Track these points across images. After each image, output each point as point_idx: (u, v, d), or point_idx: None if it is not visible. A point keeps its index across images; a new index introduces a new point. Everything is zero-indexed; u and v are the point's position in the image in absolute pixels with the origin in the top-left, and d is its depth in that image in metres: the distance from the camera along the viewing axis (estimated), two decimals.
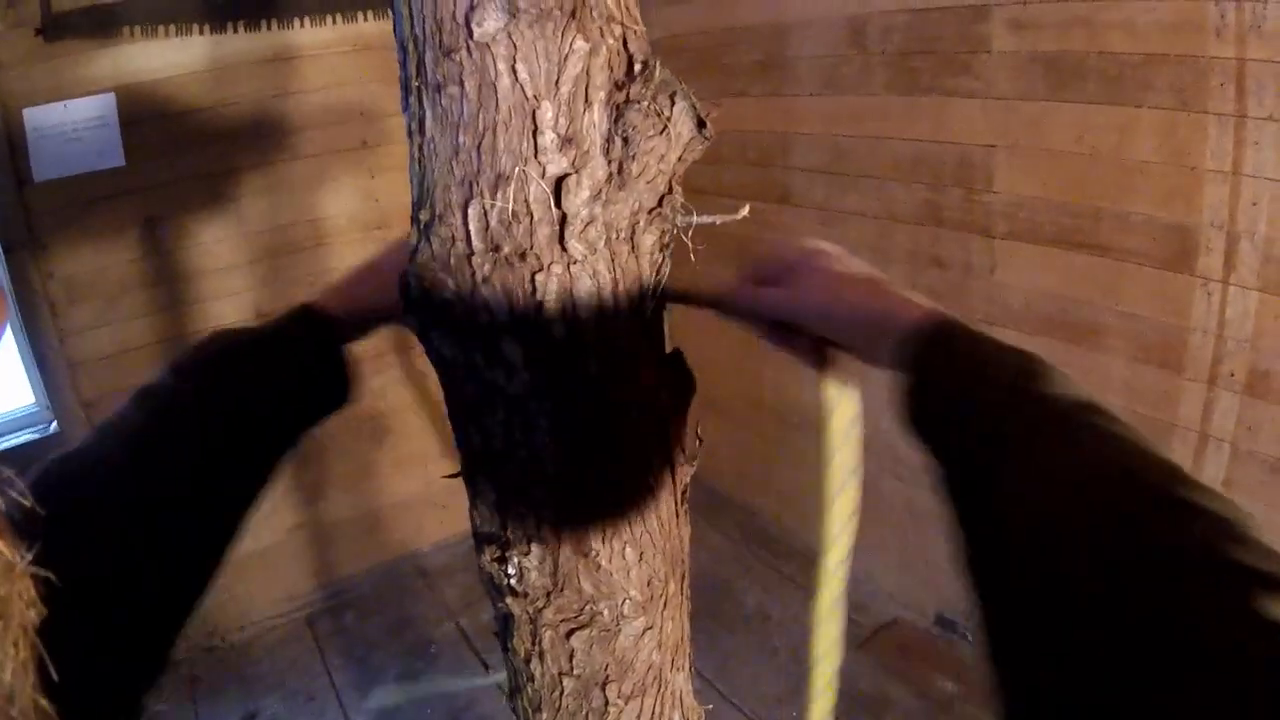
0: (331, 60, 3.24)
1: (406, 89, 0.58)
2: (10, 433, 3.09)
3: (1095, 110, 2.21)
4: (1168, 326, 2.21)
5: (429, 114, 0.56)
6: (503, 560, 0.70)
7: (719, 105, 0.69)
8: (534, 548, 0.67)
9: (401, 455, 3.67)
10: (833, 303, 0.73)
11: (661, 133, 0.56)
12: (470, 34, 0.49)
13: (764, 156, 3.32)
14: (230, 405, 0.78)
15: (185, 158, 3.07)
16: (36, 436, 3.07)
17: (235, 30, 3.05)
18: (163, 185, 3.05)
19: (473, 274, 0.57)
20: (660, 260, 0.64)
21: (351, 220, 3.40)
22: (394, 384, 3.58)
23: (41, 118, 2.84)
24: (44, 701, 0.47)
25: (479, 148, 0.54)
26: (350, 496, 3.62)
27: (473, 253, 0.57)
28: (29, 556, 0.47)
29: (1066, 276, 2.40)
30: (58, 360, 3.02)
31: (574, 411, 0.61)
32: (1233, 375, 2.11)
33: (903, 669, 2.95)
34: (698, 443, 0.76)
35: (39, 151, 2.86)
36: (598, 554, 0.68)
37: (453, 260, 0.58)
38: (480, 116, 0.53)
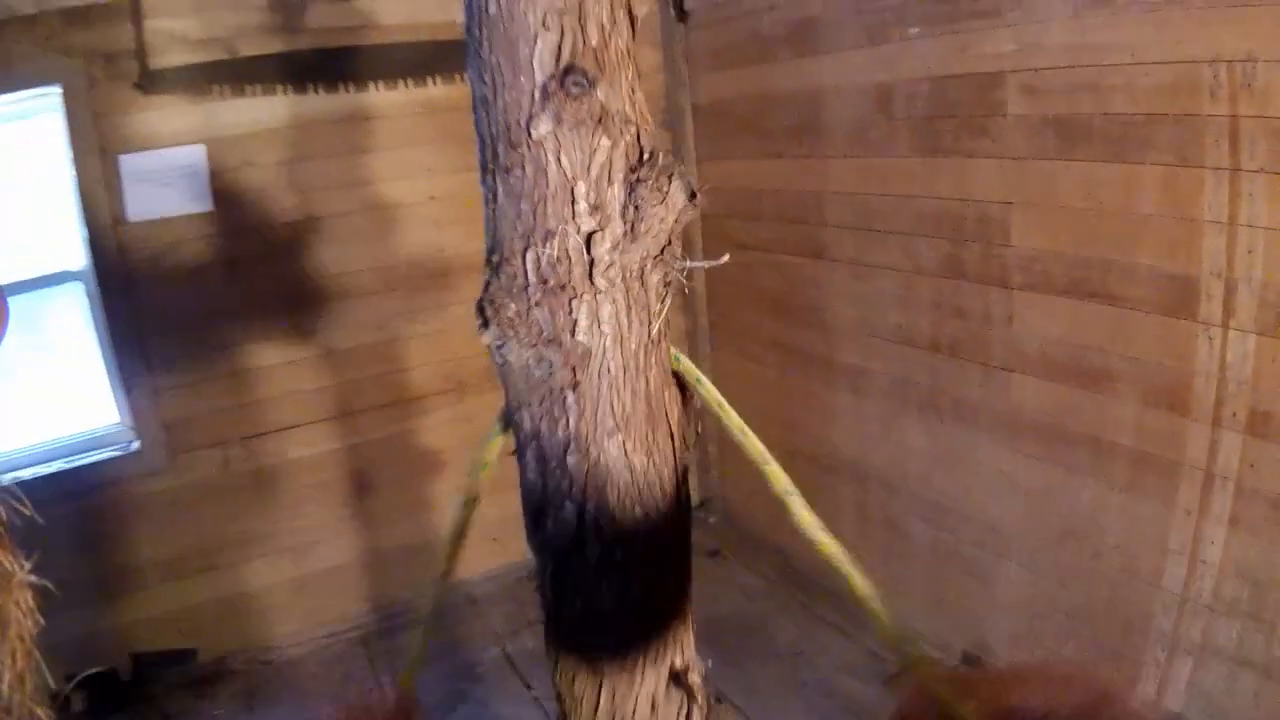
0: (402, 121, 3.52)
1: (484, 169, 0.79)
2: (96, 449, 3.33)
3: (1101, 167, 2.37)
4: (1173, 370, 2.32)
5: (500, 187, 0.77)
6: (544, 518, 0.87)
7: (708, 186, 0.89)
8: (568, 504, 0.85)
9: (456, 489, 3.84)
10: None
11: (662, 202, 0.76)
12: (529, 134, 0.71)
13: (800, 214, 3.50)
14: None
15: (266, 205, 3.36)
16: (119, 453, 3.32)
17: (315, 91, 3.35)
18: (245, 229, 3.34)
19: (529, 299, 0.78)
20: (664, 293, 0.83)
21: (418, 267, 3.65)
22: (447, 423, 3.80)
23: (136, 164, 3.15)
24: (40, 711, 0.53)
25: (534, 212, 0.76)
26: (405, 526, 3.81)
27: (529, 284, 0.78)
28: (28, 566, 0.54)
29: (1078, 324, 2.53)
30: (144, 385, 3.28)
31: (595, 395, 0.80)
32: (1235, 415, 2.21)
33: None
34: (695, 434, 0.92)
35: (133, 194, 3.16)
36: (616, 514, 0.86)
37: (514, 290, 0.79)
38: (535, 190, 0.75)
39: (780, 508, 0.78)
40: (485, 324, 0.79)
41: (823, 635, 3.46)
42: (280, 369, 3.51)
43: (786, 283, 3.67)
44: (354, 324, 3.58)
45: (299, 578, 3.67)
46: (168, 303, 3.27)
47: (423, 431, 3.79)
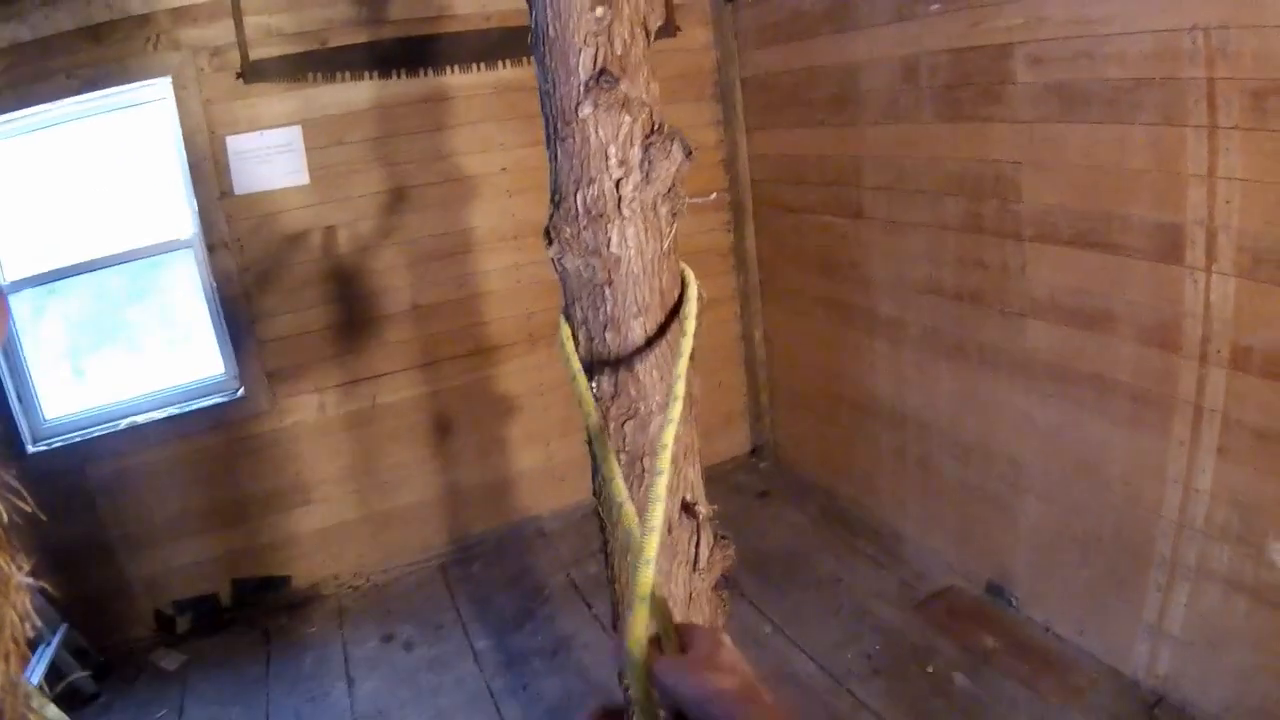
0: (477, 100, 3.82)
1: (548, 139, 1.14)
2: (206, 396, 3.71)
3: (1098, 129, 2.58)
4: (1165, 311, 2.52)
5: (559, 150, 1.13)
6: (590, 379, 1.20)
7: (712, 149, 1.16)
8: (606, 369, 1.19)
9: (528, 432, 4.20)
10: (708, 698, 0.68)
11: (667, 157, 1.10)
12: (577, 115, 1.07)
13: (840, 177, 3.73)
14: None
15: (357, 178, 3.68)
16: (226, 399, 3.69)
17: (399, 76, 3.65)
18: (338, 200, 3.67)
19: (579, 224, 1.12)
20: (671, 220, 1.15)
21: (492, 231, 3.97)
22: (519, 371, 4.13)
23: (241, 143, 3.49)
24: (33, 716, 0.47)
25: (582, 166, 1.11)
26: (482, 466, 4.16)
27: (579, 214, 1.12)
28: (25, 569, 0.46)
29: (1082, 272, 2.74)
30: (248, 339, 3.64)
31: (625, 290, 1.13)
32: (1219, 352, 2.40)
33: (951, 627, 3.27)
34: (698, 325, 1.22)
35: (239, 170, 3.50)
36: (639, 372, 1.19)
37: (569, 218, 1.13)
38: (582, 151, 1.10)
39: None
40: (550, 242, 1.14)
41: (860, 566, 3.73)
42: (370, 323, 3.82)
43: (829, 241, 3.90)
44: (436, 282, 3.90)
45: (386, 511, 4.01)
46: (269, 266, 3.61)
47: (498, 379, 4.10)
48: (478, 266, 3.98)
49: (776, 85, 4.04)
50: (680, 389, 1.08)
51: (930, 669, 3.07)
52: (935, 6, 3.03)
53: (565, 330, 1.22)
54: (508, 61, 3.81)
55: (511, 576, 3.92)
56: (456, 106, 3.79)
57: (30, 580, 0.47)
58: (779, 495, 4.45)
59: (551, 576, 3.89)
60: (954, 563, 3.56)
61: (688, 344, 1.14)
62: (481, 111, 3.83)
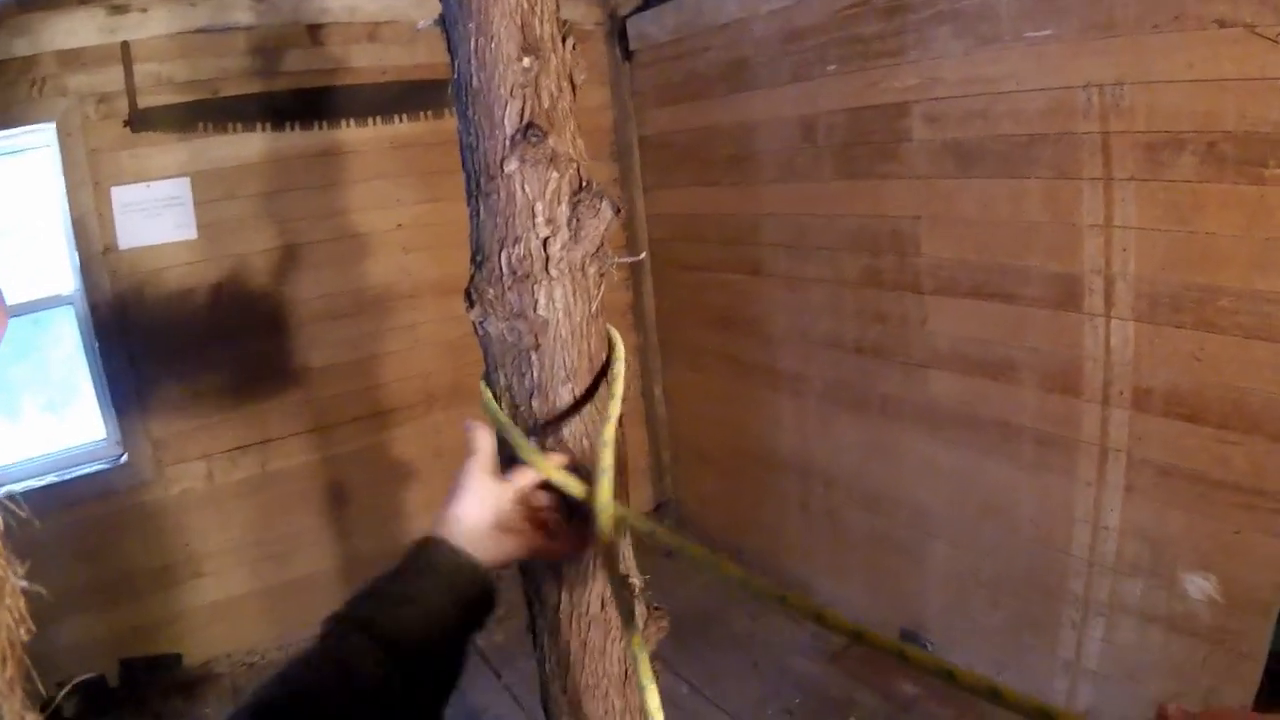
0: (372, 155, 3.74)
1: (470, 195, 1.09)
2: (86, 463, 3.49)
3: (994, 183, 2.65)
4: (1065, 357, 2.58)
5: (482, 207, 1.07)
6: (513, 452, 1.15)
7: (624, 204, 1.14)
8: (532, 439, 1.13)
9: (426, 497, 4.06)
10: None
11: (596, 215, 1.06)
12: (502, 170, 1.02)
13: (739, 235, 3.76)
14: (415, 640, 0.91)
15: (248, 233, 3.56)
16: (108, 466, 3.48)
17: (292, 128, 3.56)
18: (228, 256, 3.53)
19: (503, 286, 1.07)
20: (600, 281, 1.11)
21: (388, 290, 3.86)
22: (418, 435, 4.02)
23: (127, 195, 3.33)
24: (30, 717, 0.48)
25: (506, 224, 1.06)
26: (380, 533, 3.99)
27: (503, 275, 1.07)
28: (21, 572, 0.47)
29: (982, 322, 2.80)
30: (132, 402, 3.45)
31: (552, 354, 1.08)
32: (1121, 394, 2.47)
33: (869, 677, 3.24)
34: (629, 389, 1.18)
35: (124, 223, 3.34)
36: (568, 440, 1.13)
37: (493, 279, 1.08)
38: (507, 208, 1.05)
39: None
40: (471, 304, 1.08)
41: (773, 620, 3.67)
42: (260, 386, 3.67)
43: (729, 298, 3.92)
44: (329, 343, 3.77)
45: (281, 583, 3.82)
46: (155, 324, 3.44)
47: (395, 443, 3.98)
48: (373, 327, 3.87)
49: (674, 144, 4.08)
50: (608, 458, 1.05)
51: None
52: (832, 68, 3.09)
53: (488, 394, 1.16)
54: (404, 116, 3.75)
55: None
56: (351, 161, 3.71)
57: (26, 584, 0.47)
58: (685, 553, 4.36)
59: None
60: (867, 611, 3.55)
61: (616, 407, 1.09)
62: (377, 167, 3.76)
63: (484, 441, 1.06)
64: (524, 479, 1.06)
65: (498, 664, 3.57)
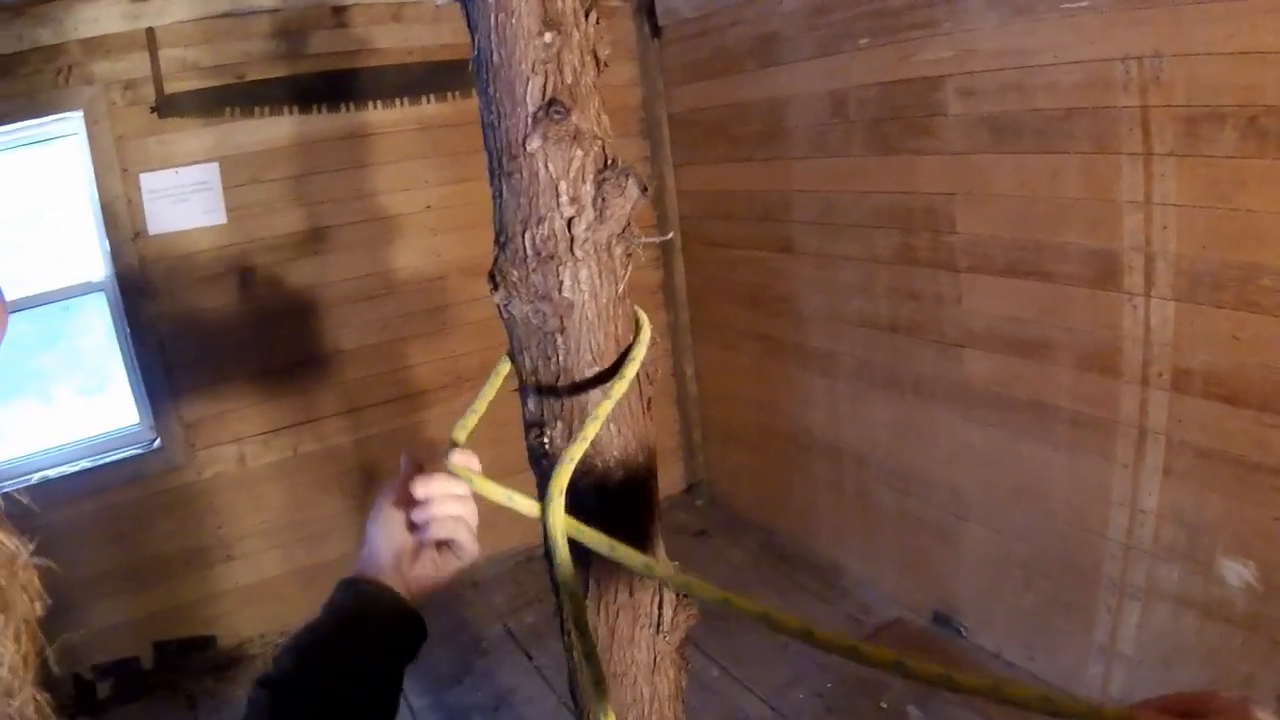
0: (400, 137, 3.72)
1: (492, 174, 1.06)
2: (119, 448, 3.52)
3: (1030, 159, 2.60)
4: (1104, 337, 2.53)
5: (505, 187, 1.04)
6: (540, 434, 1.12)
7: (653, 181, 1.12)
8: (559, 424, 1.10)
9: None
10: None
11: (621, 194, 1.02)
12: (525, 149, 0.99)
13: (769, 212, 3.72)
14: (339, 685, 0.89)
15: (276, 217, 3.56)
16: (141, 451, 3.51)
17: (319, 111, 3.55)
18: (257, 240, 3.54)
19: (527, 267, 1.04)
20: (626, 261, 1.08)
21: (416, 272, 3.86)
22: (447, 415, 3.98)
23: (155, 181, 3.34)
24: (43, 696, 0.46)
25: (530, 204, 1.03)
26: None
27: (527, 256, 1.04)
28: (31, 548, 0.46)
29: (1018, 300, 2.75)
30: (164, 387, 3.48)
31: (577, 338, 1.05)
32: (1160, 375, 2.42)
33: None
34: (656, 372, 1.15)
35: (153, 210, 3.35)
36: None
37: (516, 261, 1.05)
38: (530, 188, 1.02)
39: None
40: (495, 287, 1.05)
41: (803, 602, 3.66)
42: (291, 369, 3.69)
43: (759, 276, 3.88)
44: (359, 326, 3.78)
45: (312, 565, 3.84)
46: (185, 310, 3.46)
47: (425, 424, 3.98)
48: (401, 308, 3.87)
49: (703, 120, 4.04)
50: (590, 430, 1.04)
51: (884, 704, 3.01)
52: (862, 41, 3.04)
53: (504, 366, 1.14)
54: (431, 97, 3.73)
55: (446, 629, 3.77)
56: (378, 143, 3.70)
57: (38, 559, 0.46)
58: (716, 533, 4.38)
59: (488, 628, 3.76)
60: (898, 594, 3.52)
61: (620, 388, 1.06)
62: (405, 148, 3.75)
63: (402, 467, 1.06)
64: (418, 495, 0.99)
65: (528, 645, 3.58)
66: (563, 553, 1.02)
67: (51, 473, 3.39)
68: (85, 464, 3.44)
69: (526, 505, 1.03)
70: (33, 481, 3.35)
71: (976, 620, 3.22)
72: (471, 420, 1.13)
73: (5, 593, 0.45)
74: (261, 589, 3.79)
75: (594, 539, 0.99)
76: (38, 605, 0.47)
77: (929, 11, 2.79)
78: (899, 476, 3.41)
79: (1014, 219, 2.71)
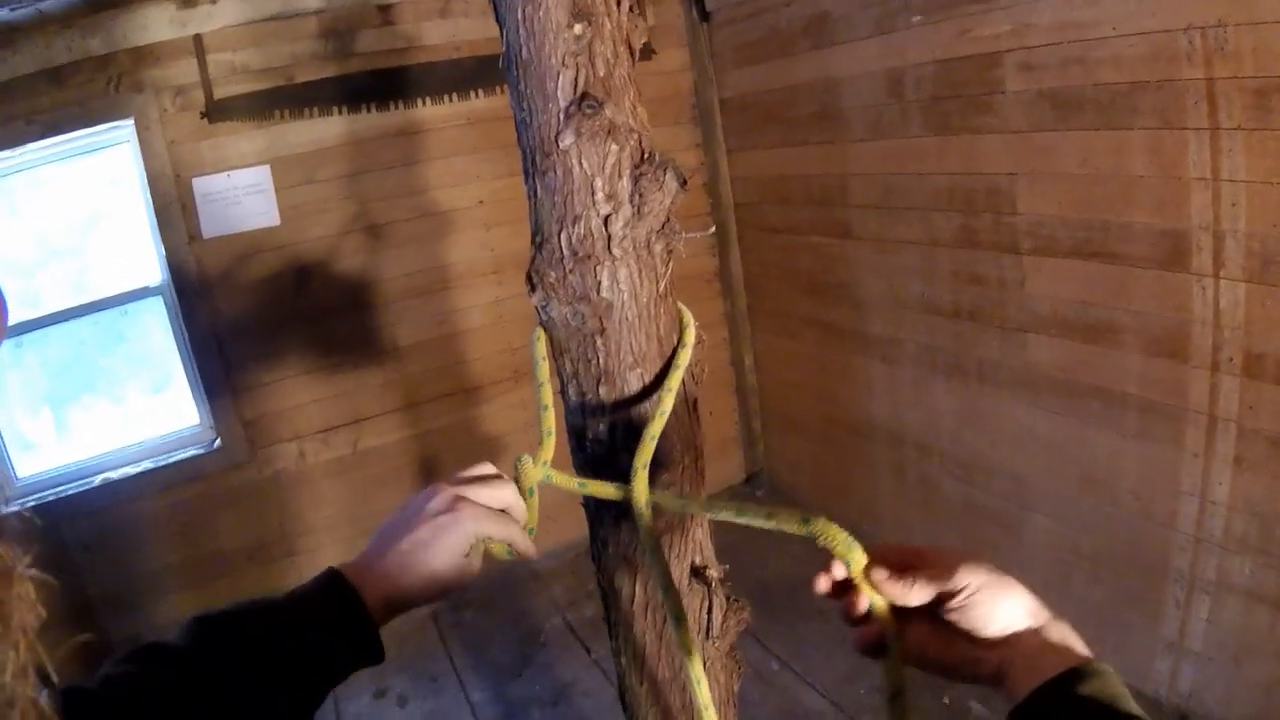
0: (450, 132, 3.73)
1: (526, 173, 1.03)
2: (181, 448, 3.58)
3: (1094, 135, 2.51)
4: (1172, 320, 2.44)
5: (539, 186, 1.01)
6: (584, 436, 1.10)
7: (693, 173, 1.08)
8: (601, 427, 1.08)
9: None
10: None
11: (660, 189, 0.99)
12: (558, 145, 0.96)
13: (827, 196, 3.65)
14: (244, 672, 0.81)
15: (330, 216, 3.58)
16: (202, 451, 3.56)
17: (369, 110, 3.57)
18: (311, 240, 3.57)
19: (564, 268, 1.01)
20: (667, 259, 1.05)
21: (471, 267, 3.87)
22: (505, 409, 4.02)
23: (208, 185, 3.38)
24: (43, 704, 0.47)
25: (565, 202, 1.00)
26: None
27: (564, 256, 1.01)
28: (28, 560, 0.46)
29: (1084, 283, 2.66)
30: (223, 387, 3.52)
31: (618, 339, 1.02)
32: (1231, 360, 2.33)
33: None
34: (703, 372, 1.12)
35: (207, 213, 3.39)
36: (637, 430, 1.08)
37: (553, 261, 1.02)
38: (565, 186, 0.99)
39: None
40: (533, 289, 1.03)
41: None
42: (348, 366, 3.71)
43: (818, 262, 3.82)
44: (415, 321, 3.80)
45: None
46: (242, 310, 3.50)
47: (483, 419, 3.99)
48: (457, 303, 3.88)
49: (756, 105, 3.98)
50: (638, 461, 1.01)
51: (946, 699, 2.95)
52: (917, 18, 2.96)
53: (541, 336, 1.10)
54: (480, 91, 3.73)
55: (505, 622, 3.79)
56: (429, 139, 3.70)
57: (33, 571, 0.47)
58: None
59: (547, 620, 3.76)
60: None
61: (669, 401, 1.03)
62: (456, 143, 3.75)
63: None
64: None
65: (586, 638, 3.58)
66: (647, 519, 1.02)
67: (115, 474, 3.46)
68: (149, 464, 3.51)
69: (600, 488, 1.04)
70: (96, 483, 3.43)
71: None
72: (549, 420, 1.10)
73: (3, 604, 0.45)
74: None
75: (674, 503, 1.03)
76: (33, 616, 0.47)
77: None
78: (962, 465, 3.33)
79: (1078, 198, 2.62)
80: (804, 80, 3.61)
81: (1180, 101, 2.28)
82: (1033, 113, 2.67)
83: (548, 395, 1.08)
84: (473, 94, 3.72)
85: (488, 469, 1.03)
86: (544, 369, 1.07)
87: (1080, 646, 0.76)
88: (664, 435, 1.03)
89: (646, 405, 1.05)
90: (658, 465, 1.04)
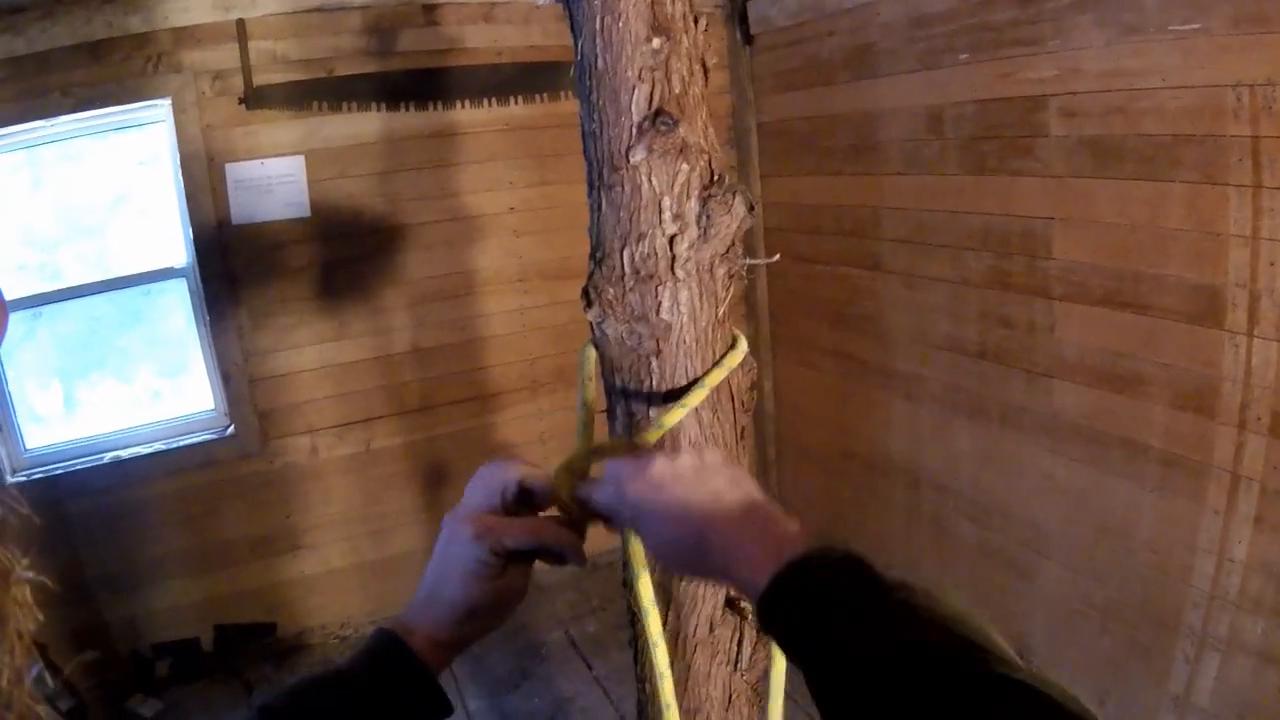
0: (486, 137, 3.73)
1: (591, 186, 1.02)
2: (194, 432, 3.58)
3: (1134, 185, 2.49)
4: (1201, 376, 2.41)
5: (604, 200, 1.01)
6: None
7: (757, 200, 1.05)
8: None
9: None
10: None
11: (728, 212, 0.98)
12: (628, 160, 0.95)
13: (858, 228, 3.63)
14: None
15: (359, 213, 3.58)
16: (214, 437, 3.56)
17: (406, 109, 3.57)
18: (340, 235, 3.56)
19: (624, 286, 1.00)
20: (729, 284, 1.04)
21: (497, 273, 3.86)
22: (521, 418, 4.00)
23: (241, 171, 3.39)
24: (40, 707, 0.46)
25: (630, 219, 0.99)
26: None
27: (625, 274, 1.00)
28: (25, 562, 0.46)
29: (1114, 332, 2.64)
30: (241, 376, 3.52)
31: (674, 362, 1.01)
32: (1259, 419, 2.30)
33: None
34: (752, 400, 1.11)
35: (237, 200, 3.39)
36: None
37: (613, 278, 1.01)
38: (631, 202, 0.98)
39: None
40: (589, 304, 1.02)
41: None
42: (367, 364, 3.71)
43: (844, 293, 3.80)
44: (437, 324, 3.79)
45: (377, 560, 3.87)
46: (265, 300, 3.50)
47: (498, 426, 3.98)
48: (481, 309, 3.87)
49: (793, 132, 3.96)
50: (652, 436, 1.00)
51: None
52: (963, 56, 2.95)
53: (592, 357, 1.07)
54: (520, 98, 3.72)
55: (506, 633, 3.75)
56: (465, 143, 3.70)
57: (30, 574, 0.46)
58: None
59: (549, 634, 3.74)
60: None
61: (697, 396, 1.01)
62: (490, 149, 3.75)
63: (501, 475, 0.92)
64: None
65: (588, 653, 3.56)
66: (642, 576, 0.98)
67: (124, 453, 3.46)
68: (160, 446, 3.51)
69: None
70: (105, 460, 3.42)
71: (1048, 660, 3.10)
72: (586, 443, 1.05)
73: (1, 607, 0.45)
74: (326, 580, 3.82)
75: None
76: (30, 620, 0.47)
77: (1034, 28, 2.69)
78: (979, 507, 3.30)
79: (1113, 247, 2.60)
80: (843, 110, 3.60)
81: (1223, 157, 2.26)
82: (1073, 158, 2.66)
83: (590, 415, 1.06)
84: (512, 100, 3.72)
85: (486, 469, 0.94)
86: (591, 389, 1.05)
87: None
88: None
89: (706, 432, 1.03)
90: None
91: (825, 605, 0.66)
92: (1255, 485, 2.34)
